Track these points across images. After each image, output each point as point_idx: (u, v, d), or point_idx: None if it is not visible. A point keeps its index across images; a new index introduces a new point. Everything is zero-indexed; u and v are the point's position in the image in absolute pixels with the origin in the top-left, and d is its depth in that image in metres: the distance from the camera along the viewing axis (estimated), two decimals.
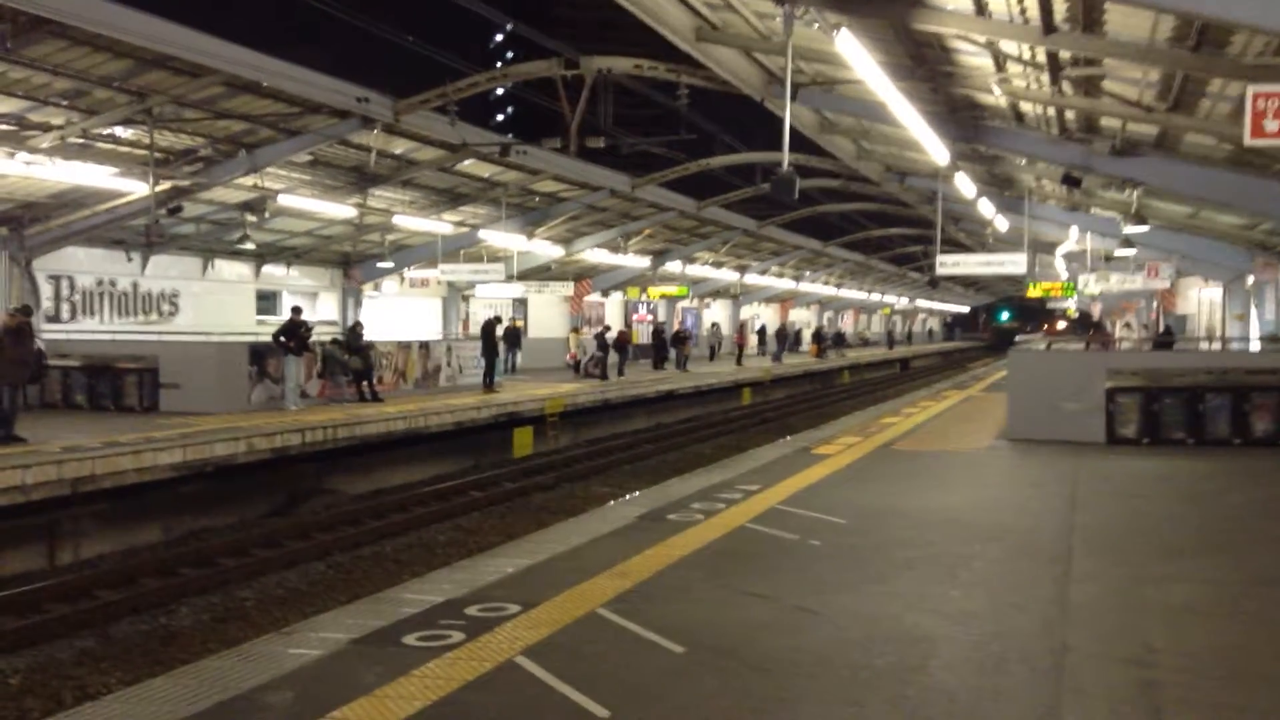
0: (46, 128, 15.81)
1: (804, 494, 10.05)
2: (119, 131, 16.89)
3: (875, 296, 67.64)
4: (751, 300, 52.34)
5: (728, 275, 43.85)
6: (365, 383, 19.85)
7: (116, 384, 17.77)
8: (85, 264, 21.11)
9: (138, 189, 17.93)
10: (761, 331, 47.19)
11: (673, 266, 37.62)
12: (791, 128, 11.59)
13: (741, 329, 43.51)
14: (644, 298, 41.35)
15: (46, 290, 20.16)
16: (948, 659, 5.30)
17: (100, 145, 17.12)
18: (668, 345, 34.40)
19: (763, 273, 46.77)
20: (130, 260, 22.16)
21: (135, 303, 22.61)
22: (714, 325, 45.40)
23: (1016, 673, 5.10)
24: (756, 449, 14.94)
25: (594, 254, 33.04)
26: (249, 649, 5.54)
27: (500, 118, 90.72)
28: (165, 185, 18.15)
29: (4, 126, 15.42)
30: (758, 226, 37.15)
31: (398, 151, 20.93)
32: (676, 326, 38.98)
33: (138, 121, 16.51)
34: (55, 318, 20.28)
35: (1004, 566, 7.24)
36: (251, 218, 21.86)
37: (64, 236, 19.30)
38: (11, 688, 8.07)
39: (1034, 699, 4.79)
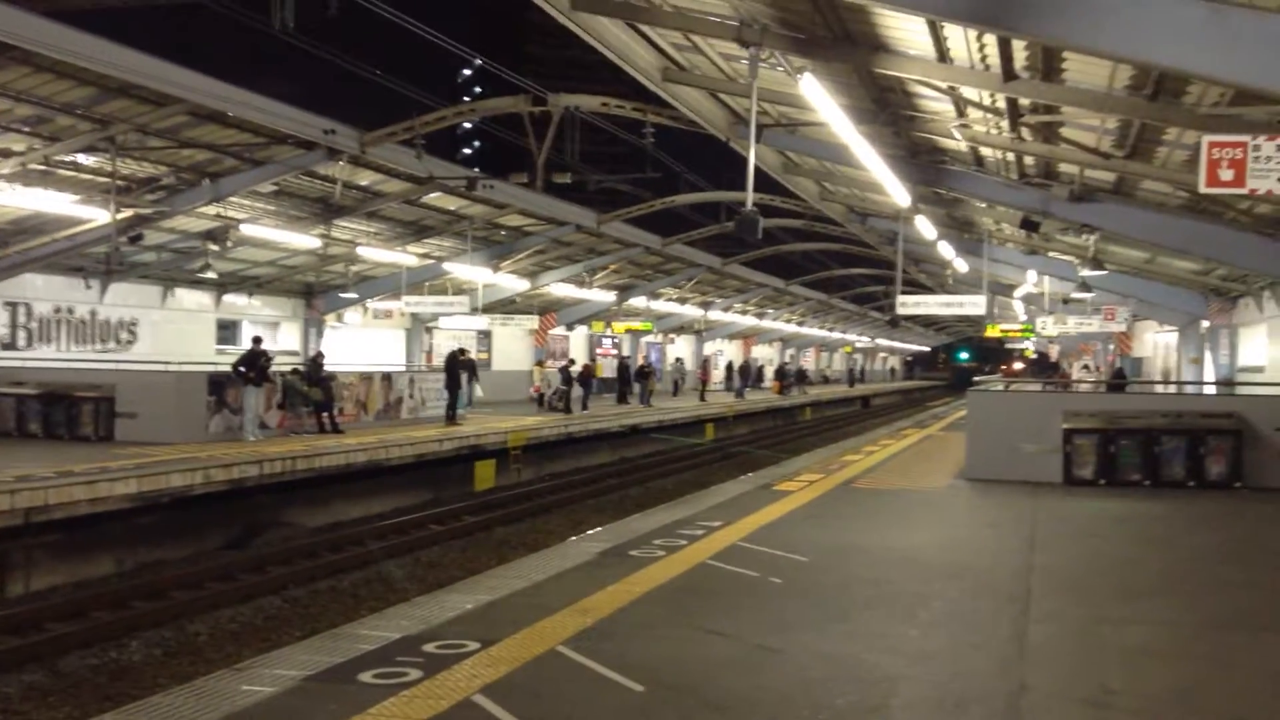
0: (7, 154, 15.66)
1: (766, 530, 10.04)
2: (81, 159, 16.75)
3: (837, 334, 68.10)
4: (715, 336, 52.53)
5: (691, 311, 44.02)
6: (326, 414, 19.68)
7: (72, 413, 17.52)
8: (43, 291, 20.86)
9: (99, 216, 17.77)
10: (729, 367, 47.28)
11: (637, 302, 37.71)
12: (756, 168, 11.70)
13: (705, 364, 43.61)
14: (608, 332, 41.35)
15: (2, 317, 19.87)
16: (908, 698, 5.30)
17: (61, 172, 16.97)
18: (631, 380, 34.39)
19: (726, 309, 46.99)
20: (89, 288, 21.91)
21: (93, 331, 22.34)
22: (678, 360, 45.47)
23: (975, 713, 5.11)
24: (719, 485, 14.94)
25: (559, 288, 33.05)
26: (201, 685, 5.44)
27: (468, 151, 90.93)
28: (127, 213, 18.00)
29: None
30: (722, 264, 37.36)
31: (364, 183, 20.90)
32: (640, 361, 38.99)
33: (100, 149, 16.39)
34: (11, 345, 19.99)
35: (963, 605, 7.27)
36: (214, 247, 21.70)
37: (22, 263, 19.06)
38: None
39: None
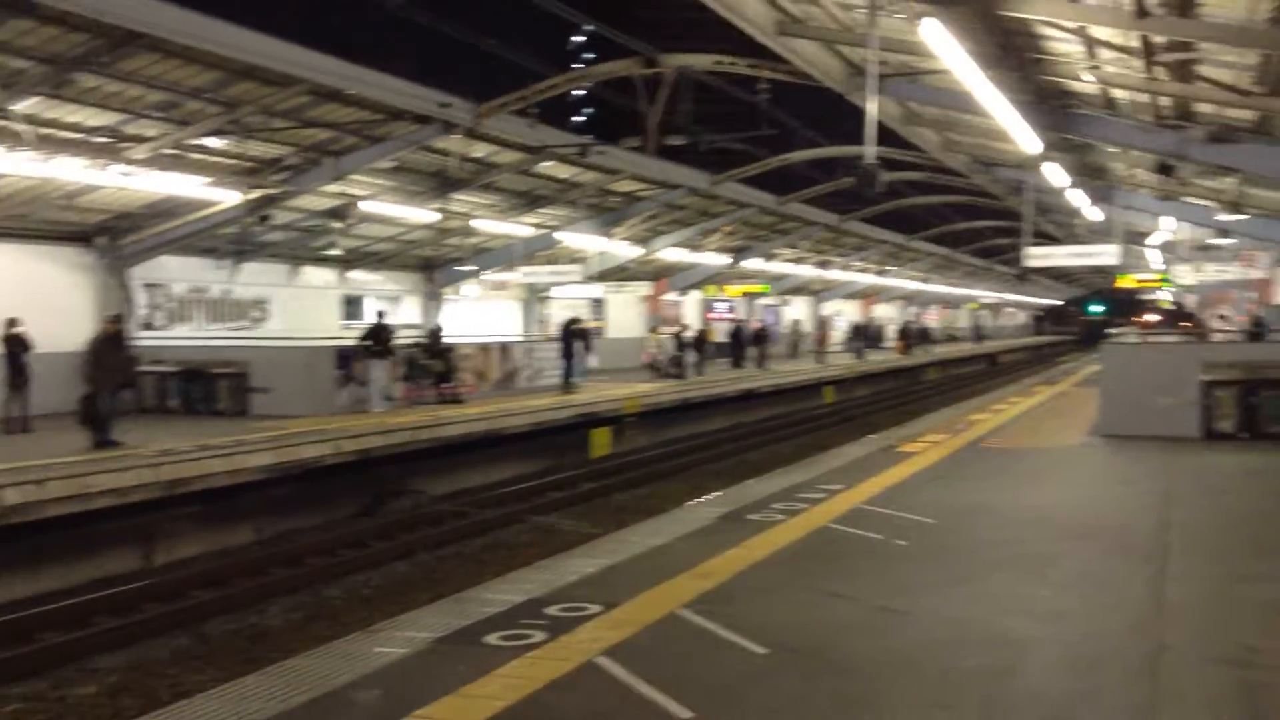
0: (141, 140, 16.27)
1: (889, 493, 9.89)
2: (210, 142, 17.31)
3: (961, 290, 66.47)
4: (833, 296, 51.81)
5: (808, 271, 43.47)
6: (446, 385, 20.08)
7: (209, 389, 18.24)
8: (179, 272, 21.69)
9: (228, 198, 18.37)
10: (852, 328, 46.43)
11: (752, 263, 37.41)
12: (875, 120, 11.42)
13: (823, 325, 43.05)
14: (722, 295, 41.18)
15: (142, 298, 20.75)
16: (1039, 661, 5.16)
17: (192, 156, 17.57)
18: (747, 343, 34.20)
19: (844, 268, 46.28)
20: (221, 268, 22.71)
21: (226, 309, 23.17)
22: (795, 322, 44.98)
23: (1111, 674, 4.95)
24: (839, 448, 14.78)
25: (672, 253, 32.98)
26: (337, 647, 5.62)
27: (579, 118, 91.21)
28: (255, 194, 18.56)
29: (100, 139, 15.89)
30: (840, 221, 36.75)
31: (478, 155, 21.13)
32: (756, 324, 38.70)
33: (228, 132, 16.91)
34: (150, 325, 20.86)
35: (1096, 565, 7.05)
36: (337, 224, 22.24)
37: (158, 246, 19.84)
38: (110, 685, 8.32)
39: (1129, 701, 4.64)
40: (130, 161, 16.16)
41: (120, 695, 8.09)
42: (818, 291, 49.69)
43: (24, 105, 14.00)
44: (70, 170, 15.40)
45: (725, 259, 35.91)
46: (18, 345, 15.31)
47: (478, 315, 31.11)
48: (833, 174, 29.31)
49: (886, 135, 18.72)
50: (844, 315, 53.42)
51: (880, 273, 50.97)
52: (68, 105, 14.74)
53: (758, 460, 20.19)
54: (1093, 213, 24.75)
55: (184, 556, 12.55)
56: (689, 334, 30.02)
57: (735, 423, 26.16)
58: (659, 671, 4.99)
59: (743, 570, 6.95)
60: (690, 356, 28.85)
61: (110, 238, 19.44)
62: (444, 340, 20.82)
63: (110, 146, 16.05)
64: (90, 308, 18.84)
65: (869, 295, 56.56)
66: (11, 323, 15.37)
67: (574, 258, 29.77)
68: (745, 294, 40.87)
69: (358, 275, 26.95)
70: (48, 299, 17.96)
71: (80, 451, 12.77)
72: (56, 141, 15.02)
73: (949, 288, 63.60)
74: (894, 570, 6.99)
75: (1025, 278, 44.33)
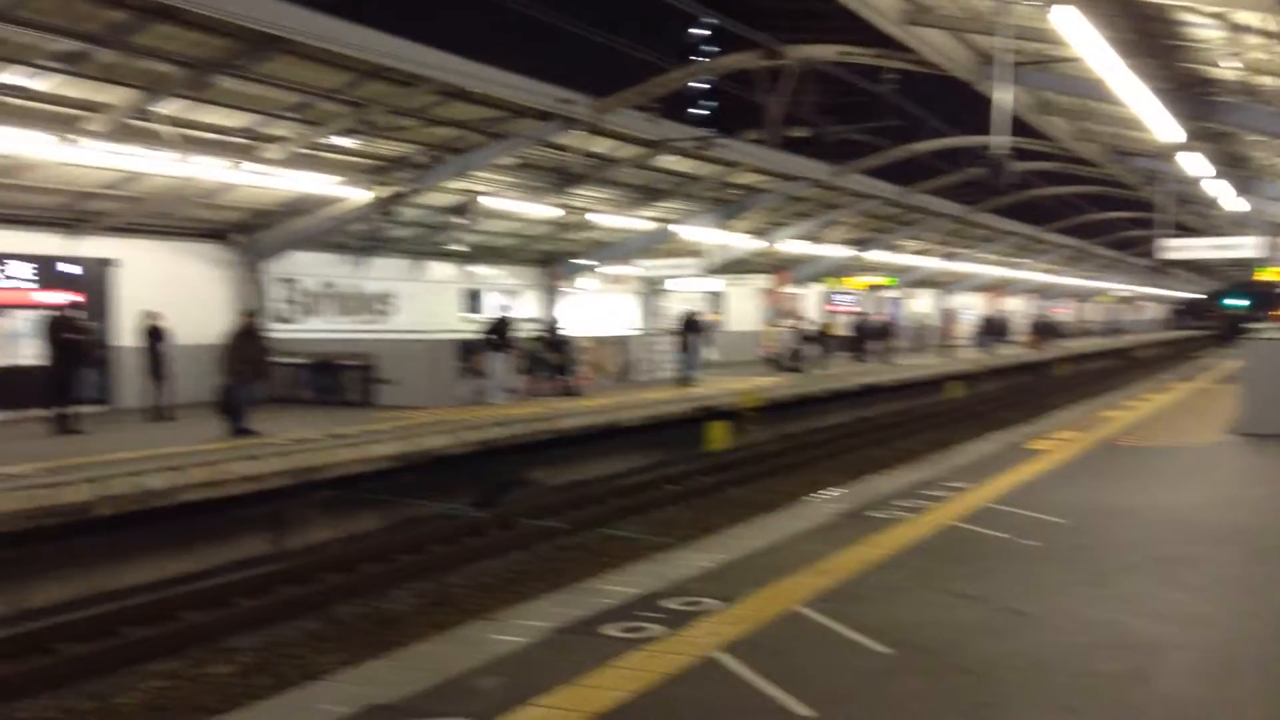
0: (275, 140, 16.84)
1: (1017, 492, 9.62)
2: (340, 141, 17.82)
3: (1094, 283, 64.25)
4: (960, 289, 50.66)
5: (934, 263, 42.59)
6: (565, 377, 20.29)
7: (338, 380, 18.80)
8: (310, 267, 22.39)
9: (357, 196, 18.90)
10: (986, 322, 45.22)
11: (875, 256, 36.83)
12: (1004, 109, 11.10)
13: (948, 319, 42.09)
14: (845, 288, 40.66)
15: (278, 293, 21.51)
16: (1174, 666, 4.95)
17: (323, 155, 18.11)
18: (870, 337, 33.69)
19: (972, 260, 45.19)
20: (350, 263, 23.37)
21: (354, 303, 23.83)
22: (919, 316, 44.14)
23: (1250, 683, 4.72)
24: (965, 444, 14.45)
25: (793, 245, 32.69)
26: (460, 634, 5.73)
27: (698, 111, 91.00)
28: (382, 191, 19.04)
29: (238, 140, 16.51)
30: (967, 212, 35.90)
31: (598, 150, 21.27)
32: (879, 317, 38.08)
33: (357, 131, 17.39)
34: (283, 318, 21.60)
35: (1235, 569, 6.73)
36: (460, 220, 22.67)
37: (291, 242, 20.53)
38: (245, 665, 8.64)
39: (1269, 712, 4.41)
40: (265, 161, 16.75)
41: (254, 675, 8.40)
42: (944, 284, 48.63)
43: (167, 107, 14.62)
44: (210, 170, 16.04)
45: (848, 251, 35.43)
46: (157, 337, 16.03)
47: (596, 309, 31.35)
48: (960, 164, 28.66)
49: (1016, 124, 18.19)
50: (971, 309, 52.18)
51: (1009, 265, 49.61)
52: (208, 107, 15.35)
53: (880, 456, 19.85)
54: (1233, 203, 23.61)
55: (315, 542, 12.96)
56: (809, 327, 29.69)
57: (857, 418, 25.77)
58: (779, 668, 4.95)
59: (865, 568, 6.84)
60: (811, 350, 28.55)
61: (246, 234, 20.20)
62: (562, 334, 21.04)
63: (247, 147, 16.66)
64: (228, 302, 19.62)
65: (997, 288, 55.13)
66: (151, 316, 16.09)
67: (692, 251, 29.73)
68: (869, 287, 40.29)
69: (479, 270, 27.42)
70: (188, 293, 18.78)
71: (218, 439, 13.30)
72: (197, 142, 15.65)
73: (1081, 280, 61.57)
74: (1023, 571, 6.79)
75: (1161, 270, 42.54)
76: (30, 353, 16.11)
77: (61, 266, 17.25)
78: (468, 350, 18.98)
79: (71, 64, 13.18)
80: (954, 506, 8.95)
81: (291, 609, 10.03)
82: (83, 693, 7.96)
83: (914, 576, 6.67)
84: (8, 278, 16.57)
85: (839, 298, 41.88)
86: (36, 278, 16.87)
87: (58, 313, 14.78)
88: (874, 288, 40.53)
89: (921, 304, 48.22)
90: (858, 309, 40.91)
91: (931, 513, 8.69)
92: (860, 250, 35.82)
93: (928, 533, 7.93)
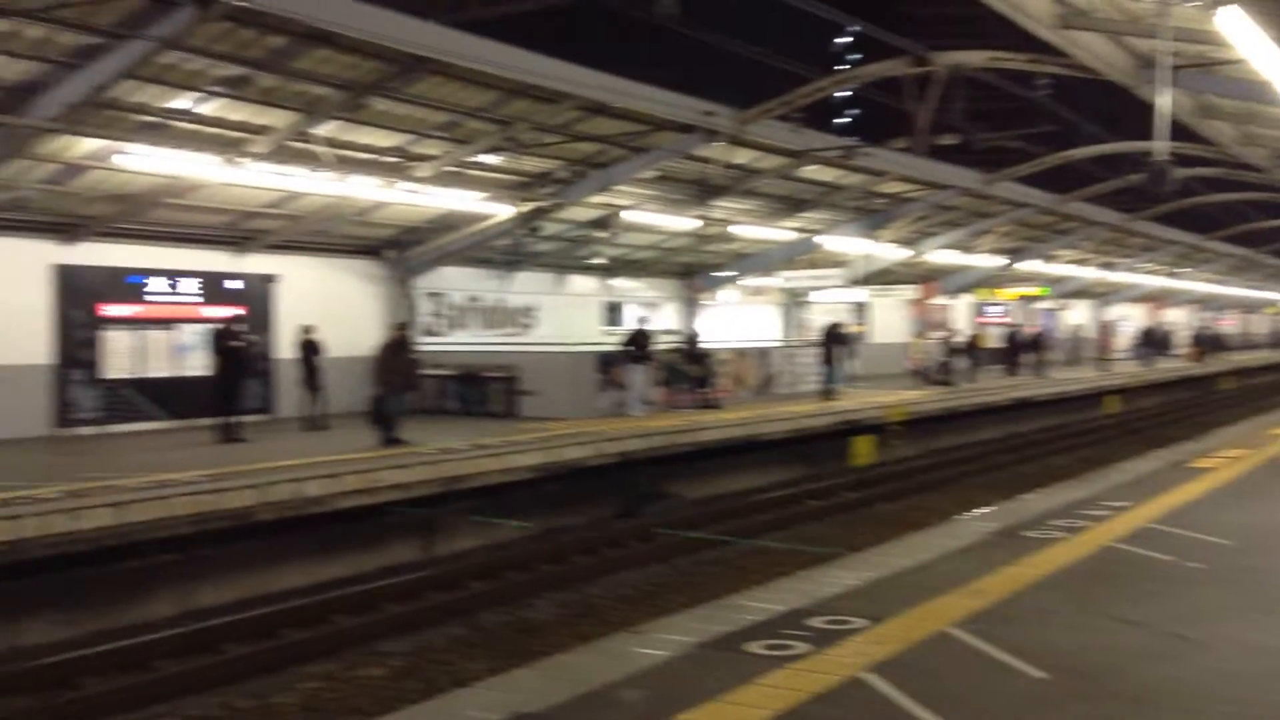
0: (425, 158, 17.34)
1: (1180, 512, 9.14)
2: (486, 159, 18.23)
3: (1261, 294, 60.82)
4: (1118, 300, 48.67)
5: (1090, 273, 41.03)
6: (704, 390, 20.22)
7: (482, 391, 19.20)
8: (457, 282, 22.96)
9: (502, 211, 19.29)
10: (1146, 333, 43.32)
11: (1029, 265, 35.72)
12: (1166, 114, 10.59)
13: (1105, 331, 40.54)
14: (995, 299, 39.57)
15: (426, 306, 22.13)
16: None
17: (470, 172, 18.56)
18: (1022, 349, 32.72)
19: (1131, 270, 43.39)
20: (495, 277, 23.88)
21: (499, 316, 24.33)
22: (1075, 327, 42.62)
23: None
24: (1124, 462, 13.81)
25: (941, 255, 31.98)
26: (602, 645, 5.73)
27: (843, 120, 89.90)
28: (526, 207, 19.39)
29: (390, 159, 17.06)
30: (1125, 220, 34.50)
31: (739, 161, 21.19)
32: (1032, 329, 36.87)
33: (503, 148, 17.76)
34: (432, 331, 22.19)
35: None
36: (601, 234, 22.90)
37: (439, 257, 21.10)
38: (395, 668, 8.85)
39: None
40: (416, 179, 17.25)
41: (404, 679, 8.59)
42: (1100, 295, 46.83)
43: (324, 129, 15.20)
44: (363, 188, 16.62)
45: (999, 261, 34.49)
46: (312, 350, 16.65)
47: (736, 321, 31.23)
48: (1118, 171, 27.65)
49: (1177, 129, 17.37)
50: (1129, 320, 50.06)
51: (1170, 275, 47.41)
52: (362, 128, 15.90)
53: (1033, 473, 19.16)
54: None
55: (460, 549, 13.22)
56: (959, 339, 28.95)
57: (1008, 433, 24.98)
58: (928, 691, 4.79)
59: (1018, 590, 6.60)
60: (960, 363, 27.83)
61: (397, 250, 20.86)
62: (702, 346, 20.99)
63: (398, 165, 17.19)
64: (379, 315, 20.29)
65: (1157, 299, 52.75)
66: (306, 329, 16.73)
67: (836, 261, 29.33)
68: (1020, 297, 39.12)
69: (619, 282, 27.64)
70: (342, 307, 19.50)
71: (370, 449, 13.71)
72: (351, 162, 16.23)
73: (1247, 291, 58.39)
74: (1187, 595, 6.44)
75: None
76: (198, 364, 17.00)
77: (226, 282, 18.12)
78: (607, 362, 19.13)
79: (234, 88, 13.84)
80: (1113, 526, 8.59)
81: (439, 615, 10.23)
82: (244, 692, 8.28)
83: (1070, 599, 6.41)
84: (178, 294, 17.48)
85: (989, 309, 40.82)
86: (203, 293, 17.76)
87: (222, 326, 15.51)
88: (1026, 298, 39.32)
89: (1076, 315, 46.53)
90: (1009, 320, 39.77)
91: (1089, 533, 8.36)
92: (1012, 260, 34.80)
93: (1085, 553, 7.63)
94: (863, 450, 19.85)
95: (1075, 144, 26.23)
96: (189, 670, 8.61)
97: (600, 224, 22.37)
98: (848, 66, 50.84)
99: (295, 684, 8.44)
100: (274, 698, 8.17)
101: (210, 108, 14.19)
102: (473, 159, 17.90)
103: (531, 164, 19.07)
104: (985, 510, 10.36)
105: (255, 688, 8.36)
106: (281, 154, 15.13)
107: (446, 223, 20.26)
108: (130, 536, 9.76)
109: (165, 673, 8.57)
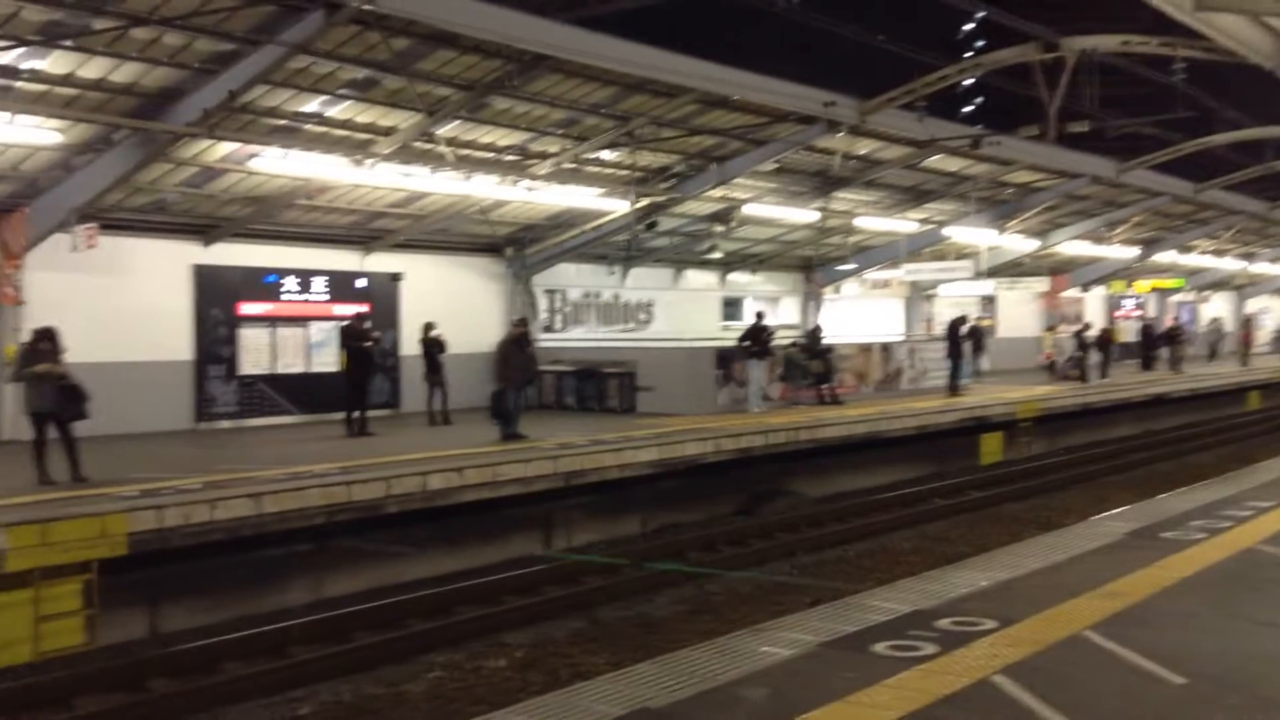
0: (544, 156, 17.53)
1: None
2: (604, 154, 18.34)
3: None
4: (1260, 292, 46.45)
5: (1231, 264, 39.27)
6: (825, 386, 19.97)
7: (600, 387, 19.32)
8: (574, 278, 23.17)
9: (619, 207, 19.38)
10: None
11: (1164, 256, 34.34)
12: None
13: (1247, 324, 38.79)
14: (1130, 291, 38.16)
15: (543, 303, 22.38)
16: None
17: (587, 169, 18.70)
18: (1158, 343, 31.54)
19: (1275, 261, 41.36)
20: (612, 273, 24.00)
21: (616, 312, 24.46)
22: (1214, 320, 40.91)
23: None
24: (1268, 460, 13.18)
25: (1072, 246, 31.00)
26: (723, 643, 5.68)
27: (969, 109, 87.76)
28: (643, 202, 19.44)
29: (510, 157, 17.30)
30: (1268, 209, 32.89)
31: (861, 152, 20.89)
32: (1168, 323, 35.48)
33: (620, 144, 17.83)
34: (550, 328, 22.44)
35: None
36: (719, 228, 22.81)
37: (557, 254, 21.33)
38: (517, 660, 8.96)
39: None
40: (534, 177, 17.45)
41: (526, 670, 8.69)
42: (1240, 287, 44.76)
43: (446, 129, 15.49)
44: (484, 187, 16.88)
45: (1133, 252, 33.26)
46: (435, 347, 16.99)
47: (858, 315, 30.78)
48: (1259, 157, 26.40)
49: None
50: (1272, 313, 47.70)
51: None
52: (482, 127, 16.16)
53: (1170, 472, 18.44)
54: None
55: (579, 543, 13.33)
56: (1091, 333, 28.02)
57: (1144, 430, 24.12)
58: (1062, 695, 4.63)
59: (1156, 592, 6.35)
60: (1093, 357, 26.95)
61: (516, 248, 21.14)
62: (822, 340, 20.74)
63: (518, 163, 17.42)
64: (499, 312, 20.61)
65: None
66: (429, 327, 17.07)
67: (962, 253, 28.68)
68: (1155, 290, 37.68)
69: (737, 277, 27.51)
70: (463, 304, 19.87)
71: (491, 443, 13.93)
72: (472, 161, 16.51)
73: None
74: None
75: None
76: (328, 361, 17.53)
77: (354, 281, 18.63)
78: (725, 358, 19.05)
79: (362, 91, 14.21)
80: (1256, 527, 8.25)
81: (558, 608, 10.33)
82: (375, 679, 8.50)
83: (1211, 602, 6.15)
84: (309, 292, 18.05)
85: (1124, 301, 39.45)
86: (331, 291, 18.29)
87: (350, 323, 15.96)
88: (1161, 291, 37.86)
89: (1215, 308, 44.59)
90: (1144, 313, 38.33)
91: (1230, 533, 8.04)
92: (1146, 251, 33.50)
93: (1226, 555, 7.32)
94: (992, 448, 19.38)
95: (1213, 130, 25.17)
96: (322, 657, 8.88)
97: (718, 218, 22.29)
98: (969, 54, 49.54)
99: (422, 673, 8.62)
100: (403, 686, 8.36)
101: (339, 110, 14.61)
102: (590, 155, 18.03)
103: (649, 159, 19.10)
104: (1120, 510, 10.00)
105: (385, 675, 8.57)
106: (406, 154, 15.47)
107: (564, 219, 20.45)
108: (266, 526, 10.10)
109: (300, 659, 8.85)
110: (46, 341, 10.79)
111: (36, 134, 12.69)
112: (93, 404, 10.88)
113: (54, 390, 10.60)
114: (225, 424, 16.91)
